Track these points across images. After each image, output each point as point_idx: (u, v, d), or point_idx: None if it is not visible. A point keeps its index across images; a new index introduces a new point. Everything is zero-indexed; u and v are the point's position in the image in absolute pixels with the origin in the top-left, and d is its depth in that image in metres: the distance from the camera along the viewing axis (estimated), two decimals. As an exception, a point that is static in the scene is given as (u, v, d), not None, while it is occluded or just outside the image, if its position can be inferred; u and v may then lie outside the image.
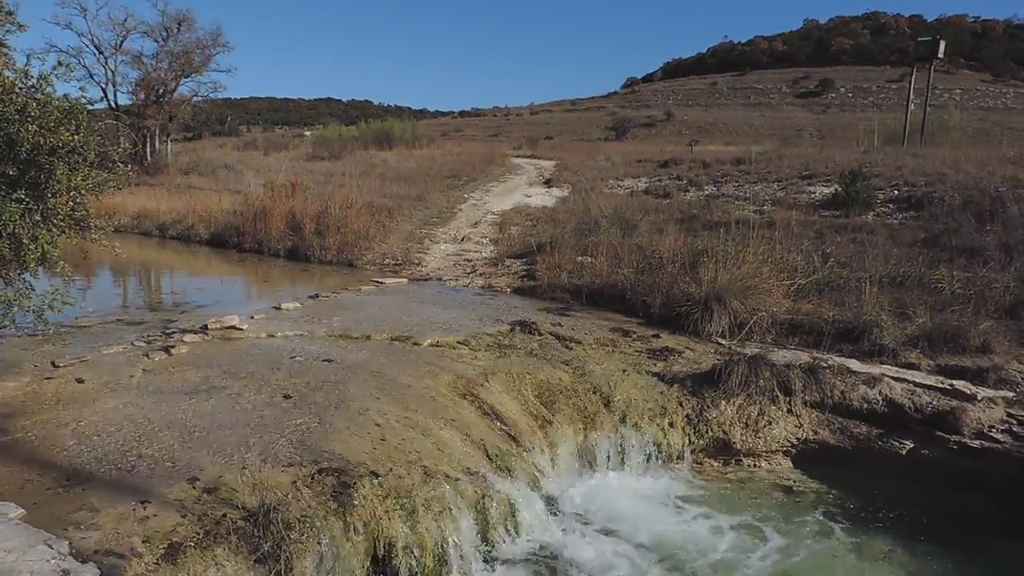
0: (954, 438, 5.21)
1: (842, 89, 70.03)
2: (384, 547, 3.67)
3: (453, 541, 3.90)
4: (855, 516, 4.95)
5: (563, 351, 6.39)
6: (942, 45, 20.38)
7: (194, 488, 3.60)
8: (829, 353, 6.20)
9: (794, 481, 5.48)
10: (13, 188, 4.44)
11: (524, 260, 10.10)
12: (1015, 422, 5.16)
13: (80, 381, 5.08)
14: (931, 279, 7.41)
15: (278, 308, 7.59)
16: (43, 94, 4.55)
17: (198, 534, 3.24)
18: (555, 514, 4.67)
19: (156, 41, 25.20)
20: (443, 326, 6.99)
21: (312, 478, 3.81)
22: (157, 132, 25.65)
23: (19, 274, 4.85)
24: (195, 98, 26.83)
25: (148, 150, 25.07)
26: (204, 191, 17.72)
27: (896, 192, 11.93)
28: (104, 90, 24.51)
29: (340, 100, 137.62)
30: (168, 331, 6.59)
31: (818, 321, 6.79)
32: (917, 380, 5.66)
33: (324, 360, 5.75)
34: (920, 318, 6.52)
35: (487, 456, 4.65)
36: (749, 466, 5.67)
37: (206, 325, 6.64)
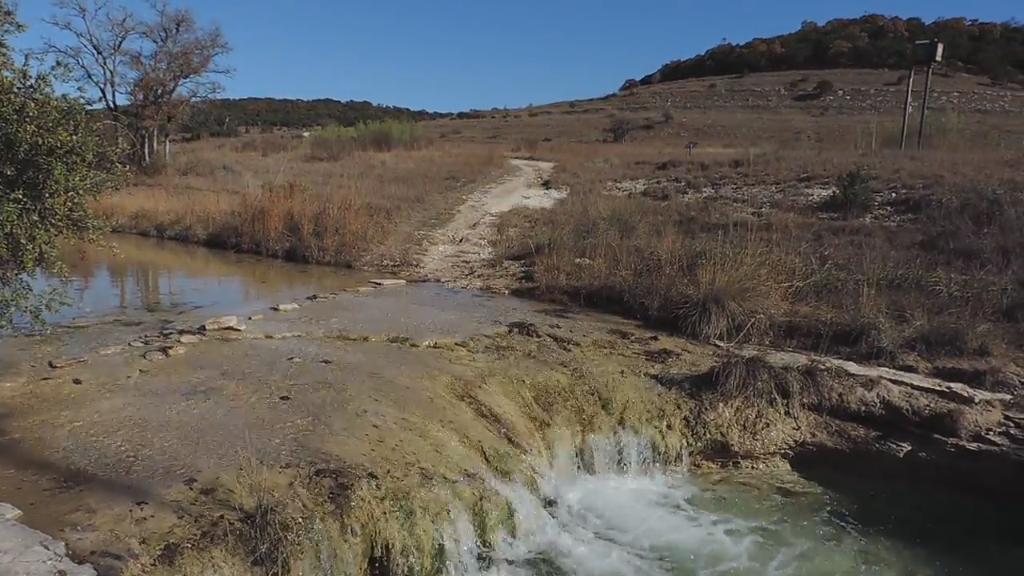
0: (951, 441, 5.22)
1: (840, 92, 70.17)
2: (381, 549, 3.67)
3: (451, 543, 3.89)
4: (852, 518, 4.95)
5: (561, 353, 6.39)
6: (940, 48, 20.43)
7: (191, 489, 3.60)
8: (827, 355, 6.20)
9: (792, 483, 5.48)
10: (11, 188, 4.43)
11: (522, 262, 10.10)
12: (1012, 424, 5.17)
13: (77, 382, 5.07)
14: (929, 282, 7.42)
15: (276, 309, 7.59)
16: (41, 94, 4.54)
17: (195, 535, 3.24)
18: (553, 516, 4.66)
19: (155, 42, 25.25)
20: (441, 327, 6.99)
21: (310, 479, 3.81)
22: (155, 132, 25.64)
23: (16, 274, 4.84)
24: (194, 99, 26.86)
25: (146, 150, 25.05)
26: (202, 192, 17.72)
27: (894, 195, 11.95)
28: (102, 90, 24.55)
29: (339, 101, 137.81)
30: (166, 332, 6.58)
31: (816, 323, 6.79)
32: (915, 383, 5.67)
33: (322, 361, 5.74)
34: (918, 320, 6.53)
35: (485, 458, 4.65)
36: (747, 468, 5.67)
37: (204, 326, 6.63)
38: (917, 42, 22.63)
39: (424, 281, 9.77)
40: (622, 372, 6.04)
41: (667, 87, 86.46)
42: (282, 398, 4.89)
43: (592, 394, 5.70)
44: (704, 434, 5.63)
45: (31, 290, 4.91)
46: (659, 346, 6.72)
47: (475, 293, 9.05)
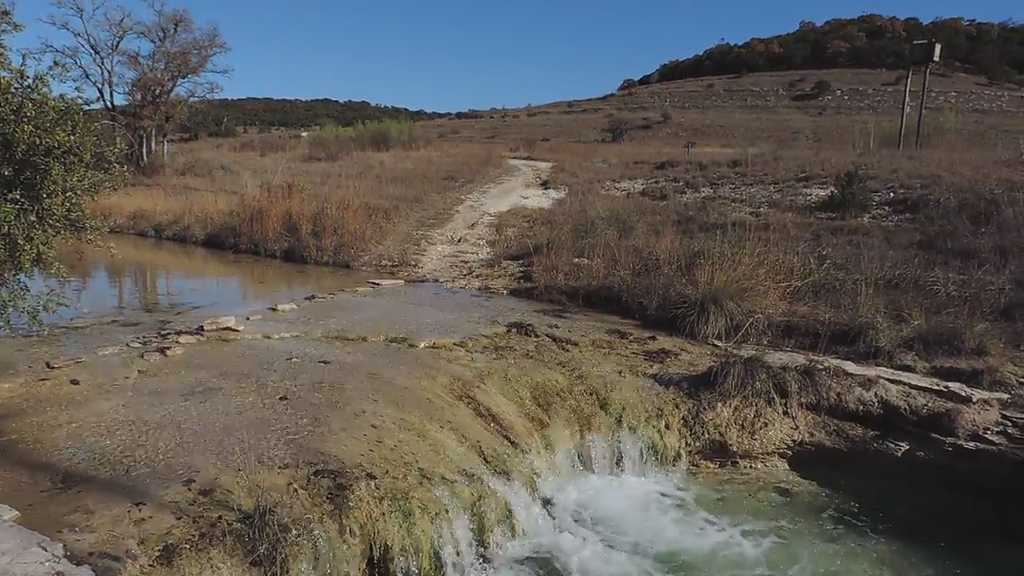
0: (949, 440, 5.23)
1: (838, 92, 70.27)
2: (380, 549, 3.67)
3: (449, 543, 3.90)
4: (851, 518, 4.95)
5: (559, 353, 6.39)
6: (938, 48, 20.46)
7: (190, 490, 3.59)
8: (825, 355, 6.21)
9: (790, 483, 5.49)
10: (8, 189, 4.42)
11: (521, 262, 10.10)
12: (1010, 424, 5.18)
13: (75, 382, 5.06)
14: (926, 281, 7.43)
15: (274, 309, 7.58)
16: (39, 94, 4.53)
17: (194, 536, 3.23)
18: (551, 516, 4.66)
19: (153, 41, 25.21)
20: (440, 328, 6.99)
21: (308, 480, 3.80)
22: (153, 133, 25.61)
23: (14, 275, 4.83)
24: (192, 99, 26.83)
25: (144, 151, 25.03)
26: (200, 192, 17.70)
27: (892, 194, 11.97)
28: (100, 90, 24.53)
29: (337, 101, 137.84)
30: (163, 332, 6.57)
31: (814, 323, 6.80)
32: (912, 382, 5.68)
33: (320, 362, 5.74)
34: (915, 320, 6.54)
35: (483, 458, 4.65)
36: (745, 468, 5.67)
37: (202, 326, 6.63)
38: (915, 42, 22.66)
39: (422, 281, 9.76)
40: (620, 372, 6.04)
41: (665, 87, 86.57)
42: (280, 398, 4.89)
43: (590, 394, 5.70)
44: (702, 434, 5.63)
45: (28, 291, 4.91)
46: (657, 346, 6.72)
47: (473, 293, 9.05)
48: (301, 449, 4.13)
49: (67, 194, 4.71)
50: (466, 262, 10.70)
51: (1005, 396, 5.46)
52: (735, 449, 5.64)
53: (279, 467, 3.89)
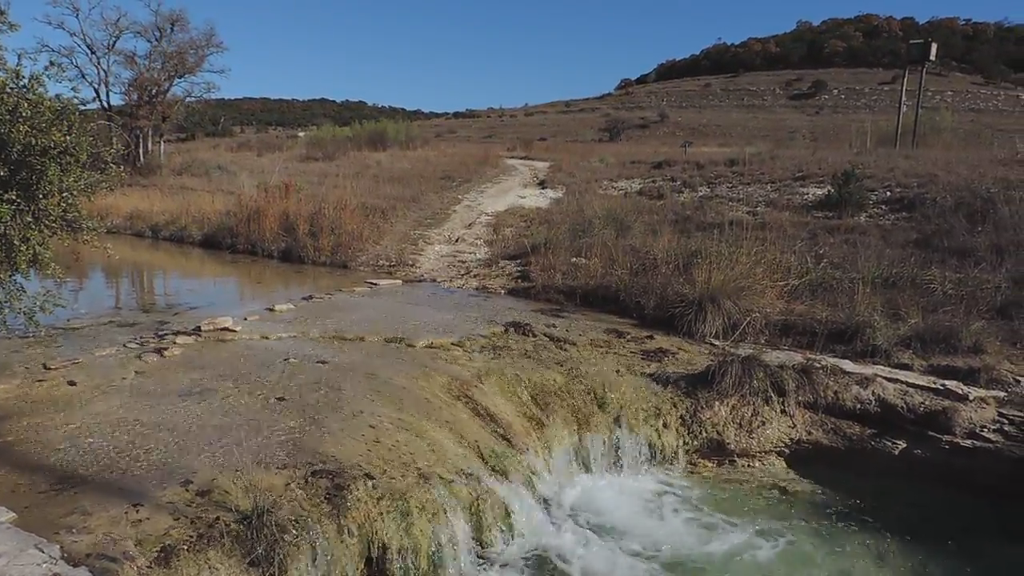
0: (946, 438, 5.24)
1: (835, 91, 70.37)
2: (378, 549, 3.66)
3: (447, 543, 3.89)
4: (848, 516, 4.96)
5: (557, 352, 6.39)
6: (934, 47, 20.48)
7: (187, 491, 3.59)
8: (822, 354, 6.22)
9: (788, 481, 5.49)
10: (4, 189, 4.41)
11: (518, 261, 10.10)
12: (1006, 421, 5.19)
13: (72, 383, 5.05)
14: (923, 280, 7.45)
15: (271, 309, 7.57)
16: (35, 94, 4.52)
17: (191, 537, 3.23)
18: (550, 515, 4.67)
19: (149, 41, 25.11)
20: (437, 327, 6.99)
21: (306, 480, 3.80)
22: (150, 133, 25.53)
23: (10, 276, 4.82)
24: (188, 99, 26.73)
25: (141, 151, 24.95)
26: (197, 192, 17.66)
27: (888, 193, 11.99)
28: (96, 90, 24.42)
29: (334, 101, 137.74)
30: (161, 333, 6.56)
31: (811, 322, 6.81)
32: (910, 380, 5.69)
33: (318, 362, 5.73)
34: (912, 319, 6.55)
35: (481, 458, 4.65)
36: (743, 467, 5.68)
37: (199, 327, 6.62)
38: (911, 41, 22.68)
39: (420, 281, 9.76)
40: (618, 371, 6.04)
41: (662, 86, 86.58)
42: (278, 399, 4.88)
43: (588, 393, 5.70)
44: (700, 433, 5.64)
45: (25, 291, 4.90)
46: (655, 345, 6.72)
47: (471, 293, 9.04)
48: (299, 449, 4.12)
49: (63, 194, 4.70)
50: (464, 262, 10.70)
51: (1002, 394, 5.48)
52: (733, 448, 5.64)
53: (277, 467, 3.88)
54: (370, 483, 3.88)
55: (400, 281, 9.67)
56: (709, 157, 20.80)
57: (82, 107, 4.94)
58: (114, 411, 4.55)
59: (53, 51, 22.36)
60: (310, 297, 8.34)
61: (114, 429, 4.27)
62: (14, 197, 4.41)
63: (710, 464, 5.68)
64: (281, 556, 3.25)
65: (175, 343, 6.13)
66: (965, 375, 5.74)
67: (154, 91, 25.29)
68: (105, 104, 24.79)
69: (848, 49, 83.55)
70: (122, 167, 5.60)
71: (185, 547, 3.16)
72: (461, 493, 4.16)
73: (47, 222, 4.72)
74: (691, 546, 4.53)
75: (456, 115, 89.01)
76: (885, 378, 5.72)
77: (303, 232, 11.77)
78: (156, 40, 25.03)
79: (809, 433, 5.66)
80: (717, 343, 6.78)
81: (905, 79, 22.62)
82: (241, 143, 42.02)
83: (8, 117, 4.35)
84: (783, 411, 5.69)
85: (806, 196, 12.98)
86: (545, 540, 4.40)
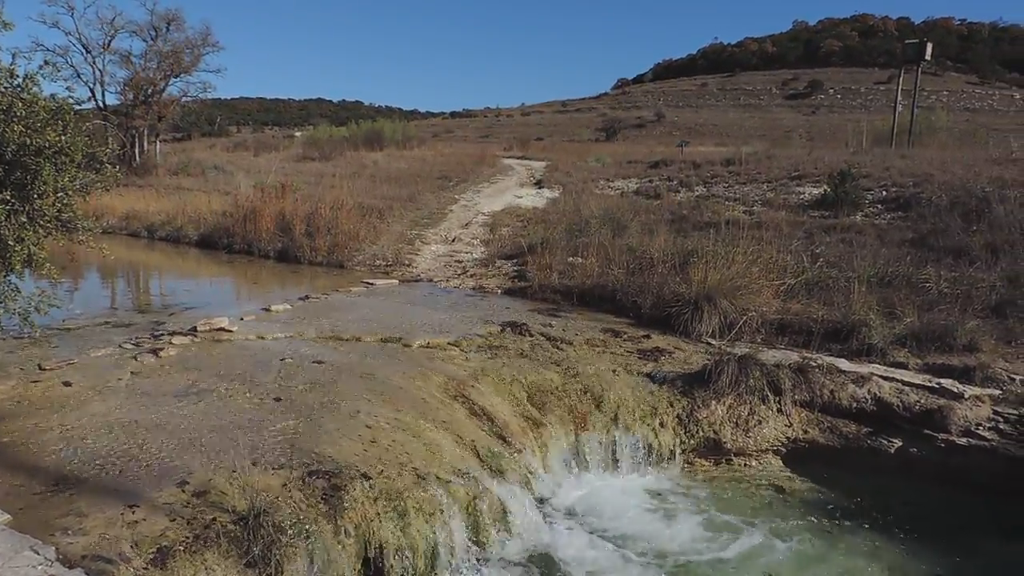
0: (942, 436, 5.26)
1: (831, 91, 70.52)
2: (375, 549, 3.66)
3: (444, 543, 3.89)
4: (845, 514, 4.98)
5: (554, 352, 6.39)
6: (929, 47, 20.55)
7: (183, 491, 3.58)
8: (818, 352, 6.23)
9: (784, 480, 5.50)
10: (-1, 189, 4.39)
11: (515, 261, 10.10)
12: (1001, 419, 5.21)
13: (67, 384, 5.03)
14: (919, 279, 7.47)
15: (268, 310, 7.56)
16: (29, 94, 4.50)
17: (188, 538, 3.22)
18: (547, 515, 4.67)
19: (145, 40, 25.12)
20: (434, 327, 6.98)
21: (303, 481, 3.79)
22: (146, 132, 25.49)
23: (4, 276, 4.80)
24: (184, 98, 26.72)
25: (137, 151, 24.91)
26: (193, 192, 17.63)
27: (884, 193, 12.02)
28: (92, 90, 24.37)
29: (330, 101, 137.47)
30: (156, 333, 6.54)
31: (807, 321, 6.82)
32: (905, 379, 5.71)
33: (314, 362, 5.72)
34: (908, 317, 6.57)
35: (478, 457, 4.64)
36: (740, 465, 5.69)
37: (195, 327, 6.60)
38: (907, 41, 22.75)
39: (417, 281, 9.75)
40: (615, 371, 6.04)
41: (659, 86, 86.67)
42: (274, 399, 4.87)
43: (585, 393, 5.70)
44: (697, 432, 5.65)
45: (20, 292, 4.88)
46: (652, 344, 6.73)
47: (468, 292, 9.04)
48: (295, 450, 4.11)
49: (58, 194, 4.68)
50: (460, 261, 10.69)
51: (997, 392, 5.50)
52: (729, 447, 5.65)
53: (273, 468, 3.88)
54: (367, 483, 3.87)
55: (397, 281, 9.66)
56: (705, 157, 20.82)
57: (77, 107, 4.92)
58: (110, 412, 4.53)
59: (48, 50, 22.38)
60: (306, 297, 8.33)
61: (110, 430, 4.25)
62: (9, 197, 4.39)
63: (707, 463, 5.69)
64: (278, 557, 3.25)
65: (171, 343, 6.11)
66: (960, 373, 5.76)
67: (150, 91, 25.25)
68: (101, 104, 24.75)
69: (844, 49, 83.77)
70: (117, 167, 5.58)
71: (181, 548, 3.15)
72: (458, 493, 4.16)
73: (42, 222, 4.70)
74: (688, 545, 4.53)
75: (453, 115, 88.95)
76: (881, 377, 5.74)
77: (299, 232, 11.76)
78: (152, 39, 25.03)
79: (805, 432, 5.67)
80: (713, 342, 6.79)
81: (901, 79, 22.69)
82: (237, 143, 41.95)
83: (2, 117, 4.33)
84: (779, 410, 5.70)
85: (802, 195, 13.00)
86: (542, 539, 4.40)
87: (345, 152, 28.83)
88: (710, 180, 15.80)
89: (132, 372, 5.36)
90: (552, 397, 5.62)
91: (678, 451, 5.60)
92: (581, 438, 5.39)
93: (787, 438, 5.69)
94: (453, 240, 12.28)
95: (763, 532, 4.71)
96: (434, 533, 3.86)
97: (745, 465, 5.70)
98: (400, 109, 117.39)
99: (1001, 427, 5.17)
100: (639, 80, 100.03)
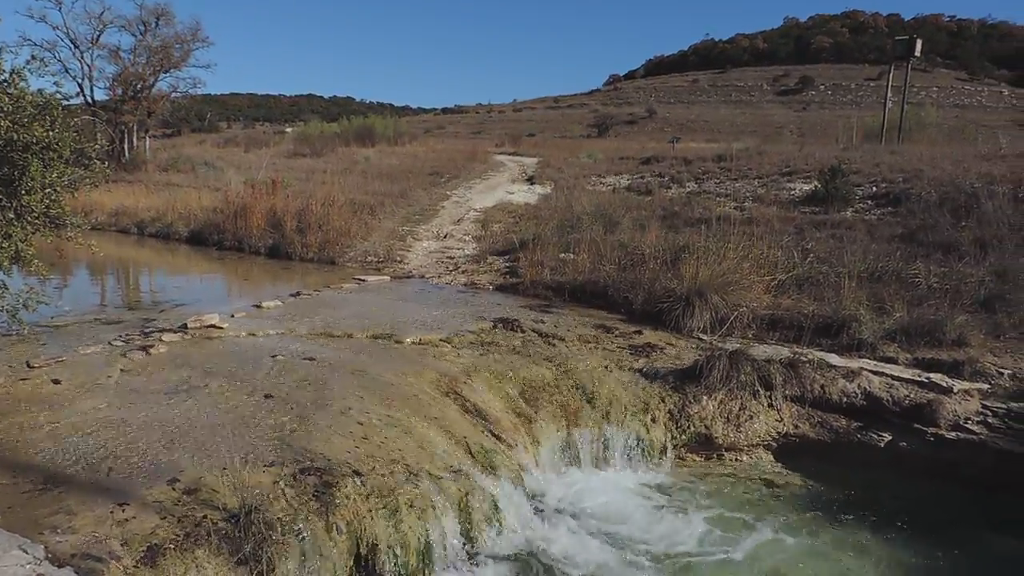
0: (931, 430, 5.29)
1: (822, 87, 70.78)
2: (367, 546, 3.66)
3: (437, 539, 3.89)
4: (835, 508, 5.01)
5: (546, 348, 6.40)
6: (919, 44, 20.62)
7: (174, 489, 3.56)
8: (809, 348, 6.27)
9: (775, 475, 5.53)
10: (-15, 186, 4.36)
11: (506, 257, 10.10)
12: (990, 413, 5.25)
13: (56, 382, 4.99)
14: (908, 274, 7.51)
15: (259, 306, 7.53)
16: (16, 89, 4.47)
17: (178, 536, 3.21)
18: (539, 510, 4.67)
19: (134, 35, 24.82)
20: (425, 324, 6.97)
21: (294, 478, 3.78)
22: (135, 128, 25.27)
23: (-8, 273, 4.76)
24: (174, 94, 26.50)
25: (126, 146, 24.70)
26: (184, 188, 17.52)
27: (874, 188, 12.08)
28: (80, 85, 24.12)
29: (322, 96, 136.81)
30: (147, 330, 6.50)
31: (798, 316, 6.85)
32: (895, 373, 5.74)
33: (306, 359, 5.70)
34: (897, 312, 6.61)
35: (470, 454, 4.64)
36: (731, 461, 5.72)
37: (185, 324, 6.57)
38: (897, 38, 22.83)
39: (408, 277, 9.73)
40: (607, 366, 6.05)
41: (650, 82, 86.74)
42: (265, 396, 4.85)
43: (577, 389, 5.71)
44: (688, 427, 5.67)
45: (8, 289, 4.85)
46: (643, 340, 6.74)
47: (459, 289, 9.03)
48: (287, 447, 4.10)
49: (46, 190, 4.66)
50: (452, 258, 10.68)
51: (985, 386, 5.54)
52: (721, 442, 5.68)
53: (264, 465, 3.86)
54: (359, 480, 3.87)
55: (388, 277, 9.64)
56: (697, 153, 20.87)
57: (65, 102, 4.89)
58: (99, 409, 4.51)
59: (35, 45, 22.10)
60: (298, 294, 8.30)
61: (99, 428, 4.22)
62: (-5, 194, 4.36)
63: (698, 458, 5.71)
64: (269, 555, 3.24)
65: (161, 340, 6.07)
66: (949, 368, 5.80)
67: (139, 86, 25.02)
68: (89, 99, 24.49)
69: (835, 45, 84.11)
70: (106, 163, 5.56)
71: (172, 546, 3.13)
72: (450, 489, 4.16)
73: (30, 218, 4.68)
74: (680, 540, 4.55)
75: (444, 111, 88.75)
76: (871, 371, 5.77)
77: (291, 228, 11.70)
78: (141, 34, 24.77)
79: (796, 427, 5.70)
80: (705, 338, 6.81)
81: (891, 75, 22.79)
82: (228, 139, 41.71)
83: (-11, 112, 4.29)
84: (770, 405, 5.73)
85: (793, 191, 13.06)
86: (534, 535, 4.41)
87: (336, 148, 28.72)
88: (701, 176, 15.84)
89: (122, 369, 5.33)
90: (544, 393, 5.62)
91: (669, 447, 5.62)
92: (573, 434, 5.40)
93: (778, 433, 5.72)
94: (445, 236, 12.26)
95: (753, 526, 4.73)
96: (426, 530, 3.87)
97: (736, 460, 5.72)
98: (392, 105, 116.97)
99: (990, 421, 5.22)
100: (631, 76, 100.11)
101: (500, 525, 4.30)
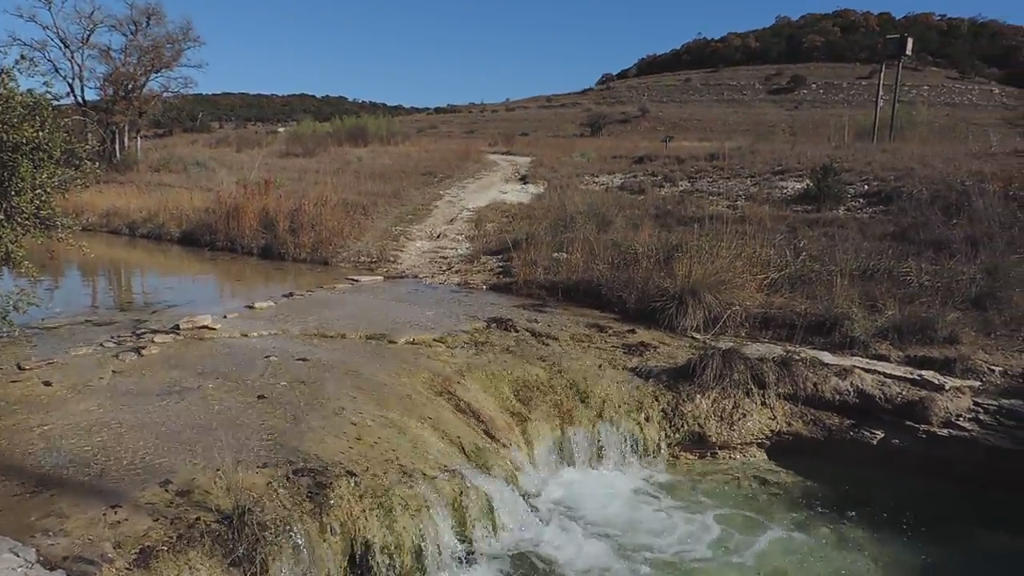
0: (923, 427, 5.33)
1: (813, 86, 71.01)
2: (361, 547, 3.65)
3: (431, 540, 3.89)
4: (828, 506, 5.03)
5: (539, 347, 6.40)
6: (910, 43, 20.73)
7: (166, 491, 3.54)
8: (802, 346, 6.29)
9: (769, 472, 5.55)
10: (-26, 187, 4.33)
11: (500, 257, 10.09)
12: (981, 410, 5.29)
13: (47, 384, 4.96)
14: (900, 272, 7.55)
15: (252, 307, 7.50)
16: (5, 89, 4.44)
17: (171, 538, 3.19)
18: (533, 510, 4.67)
19: (124, 35, 24.69)
20: (419, 324, 6.96)
21: (287, 479, 3.77)
22: (126, 128, 25.14)
23: (-18, 275, 4.73)
24: (166, 94, 26.37)
25: (117, 147, 24.57)
26: (175, 188, 17.44)
27: (866, 187, 12.13)
28: (70, 85, 23.97)
29: (314, 96, 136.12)
30: (139, 331, 6.47)
31: (791, 314, 6.88)
32: (887, 371, 5.77)
33: (299, 359, 5.69)
34: (889, 310, 6.64)
35: (464, 453, 4.64)
36: (724, 459, 5.73)
37: (178, 325, 6.54)
38: (888, 36, 22.92)
39: (402, 277, 9.72)
40: (600, 366, 6.06)
41: (643, 81, 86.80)
42: (259, 397, 4.84)
43: (570, 388, 5.72)
44: (682, 425, 5.68)
45: (-3, 291, 4.81)
46: (636, 339, 6.75)
47: (453, 288, 9.02)
48: (280, 448, 4.09)
49: (36, 191, 4.63)
50: (445, 258, 10.67)
51: (977, 383, 5.58)
52: (714, 440, 5.69)
53: (258, 466, 3.85)
54: (352, 480, 3.86)
55: (381, 277, 9.62)
56: (690, 152, 20.92)
57: (55, 102, 4.87)
58: (91, 411, 4.48)
59: (25, 45, 21.99)
60: (291, 294, 8.28)
61: (91, 429, 4.20)
62: (-15, 195, 4.33)
63: (692, 457, 5.72)
64: (263, 556, 3.23)
65: (153, 342, 6.05)
66: (941, 365, 5.84)
67: (130, 86, 24.88)
68: (80, 99, 24.35)
69: (826, 44, 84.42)
70: (97, 163, 5.52)
71: (165, 548, 3.12)
72: (444, 489, 4.16)
73: (20, 219, 4.65)
74: (673, 538, 4.56)
75: (437, 110, 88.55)
76: (863, 369, 5.80)
77: (283, 229, 11.67)
78: (132, 34, 24.64)
79: (789, 424, 5.72)
80: (698, 336, 6.83)
81: (882, 74, 22.88)
82: (220, 139, 41.52)
83: (-23, 113, 4.26)
84: (763, 403, 5.75)
85: (785, 190, 13.10)
86: (529, 534, 4.41)
87: (329, 148, 28.64)
88: (694, 175, 15.86)
89: (114, 371, 5.30)
90: (538, 392, 5.62)
91: (663, 445, 5.64)
92: (567, 433, 5.40)
93: (771, 431, 5.74)
94: (438, 236, 12.24)
95: (748, 524, 4.75)
96: (420, 530, 3.86)
97: (730, 458, 5.74)
98: (384, 105, 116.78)
99: (981, 418, 5.25)
100: (623, 75, 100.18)
101: (494, 524, 4.30)
